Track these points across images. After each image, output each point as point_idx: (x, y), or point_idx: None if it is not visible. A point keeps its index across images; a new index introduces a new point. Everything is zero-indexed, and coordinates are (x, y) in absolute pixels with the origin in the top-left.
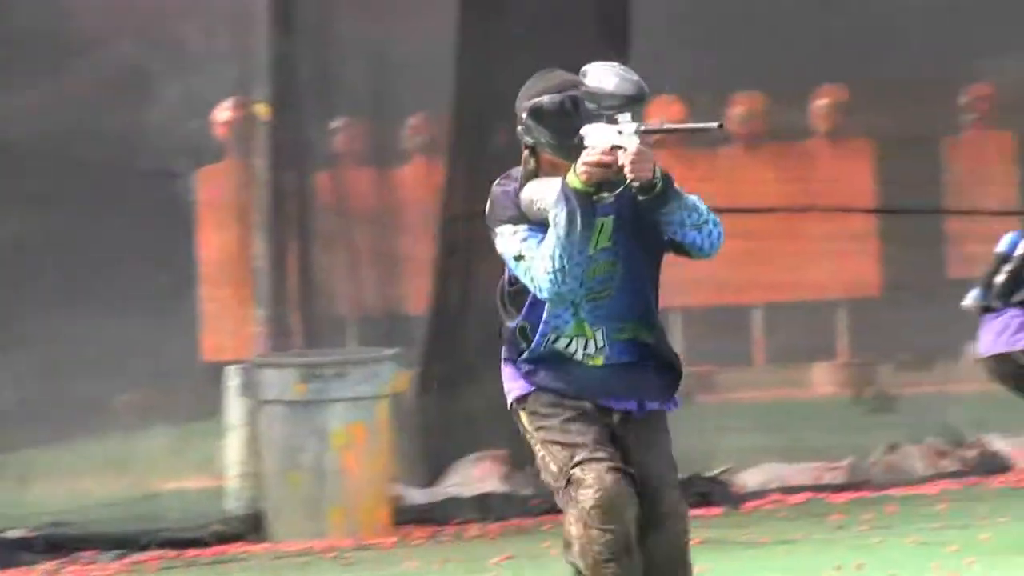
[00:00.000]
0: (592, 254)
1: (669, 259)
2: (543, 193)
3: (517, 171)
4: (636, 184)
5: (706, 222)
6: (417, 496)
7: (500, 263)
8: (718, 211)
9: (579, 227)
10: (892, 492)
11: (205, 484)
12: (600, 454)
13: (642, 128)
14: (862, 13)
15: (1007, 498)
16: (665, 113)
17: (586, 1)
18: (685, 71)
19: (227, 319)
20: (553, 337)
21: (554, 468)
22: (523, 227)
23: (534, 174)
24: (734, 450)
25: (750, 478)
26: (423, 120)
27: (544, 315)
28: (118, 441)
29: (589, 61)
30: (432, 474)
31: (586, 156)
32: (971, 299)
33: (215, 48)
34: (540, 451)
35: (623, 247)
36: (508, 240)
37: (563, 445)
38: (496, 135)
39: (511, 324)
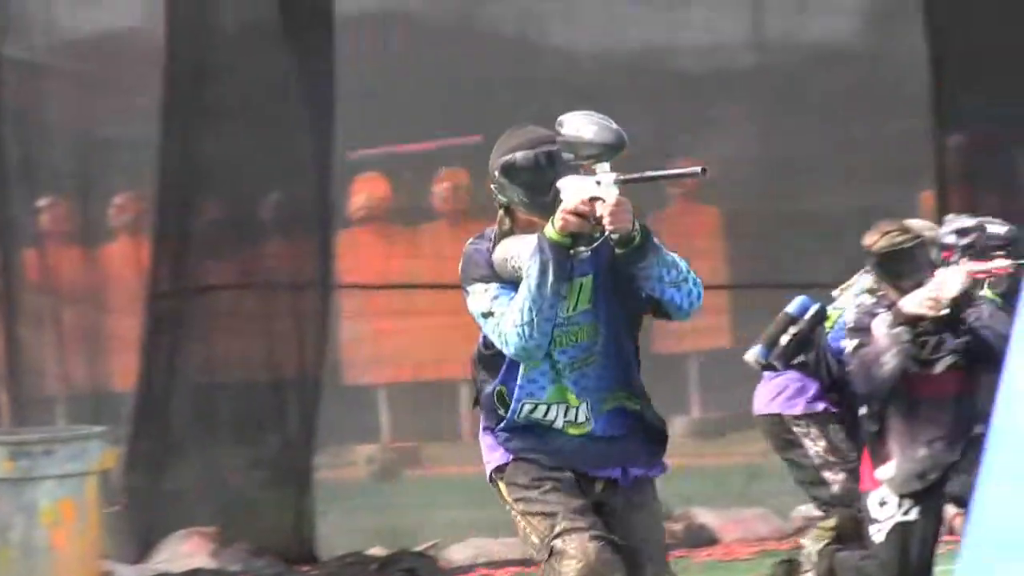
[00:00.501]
0: (571, 315)
1: (360, 333)
2: (518, 249)
3: (491, 230)
4: (615, 236)
5: (685, 280)
6: (127, 573)
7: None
8: (423, 287)
9: (551, 278)
10: None
11: None
12: (581, 523)
13: (621, 178)
14: (568, 94)
15: (714, 571)
16: (372, 189)
17: (291, 71)
18: (392, 144)
19: None
20: (531, 406)
21: (535, 540)
22: (495, 285)
23: (509, 232)
24: (441, 525)
25: (457, 553)
26: (128, 198)
27: (518, 379)
28: None
29: (294, 131)
30: (141, 550)
31: (564, 205)
32: (752, 355)
33: None
34: (521, 523)
35: (603, 309)
36: (479, 298)
37: (543, 516)
38: (200, 210)
39: (488, 389)
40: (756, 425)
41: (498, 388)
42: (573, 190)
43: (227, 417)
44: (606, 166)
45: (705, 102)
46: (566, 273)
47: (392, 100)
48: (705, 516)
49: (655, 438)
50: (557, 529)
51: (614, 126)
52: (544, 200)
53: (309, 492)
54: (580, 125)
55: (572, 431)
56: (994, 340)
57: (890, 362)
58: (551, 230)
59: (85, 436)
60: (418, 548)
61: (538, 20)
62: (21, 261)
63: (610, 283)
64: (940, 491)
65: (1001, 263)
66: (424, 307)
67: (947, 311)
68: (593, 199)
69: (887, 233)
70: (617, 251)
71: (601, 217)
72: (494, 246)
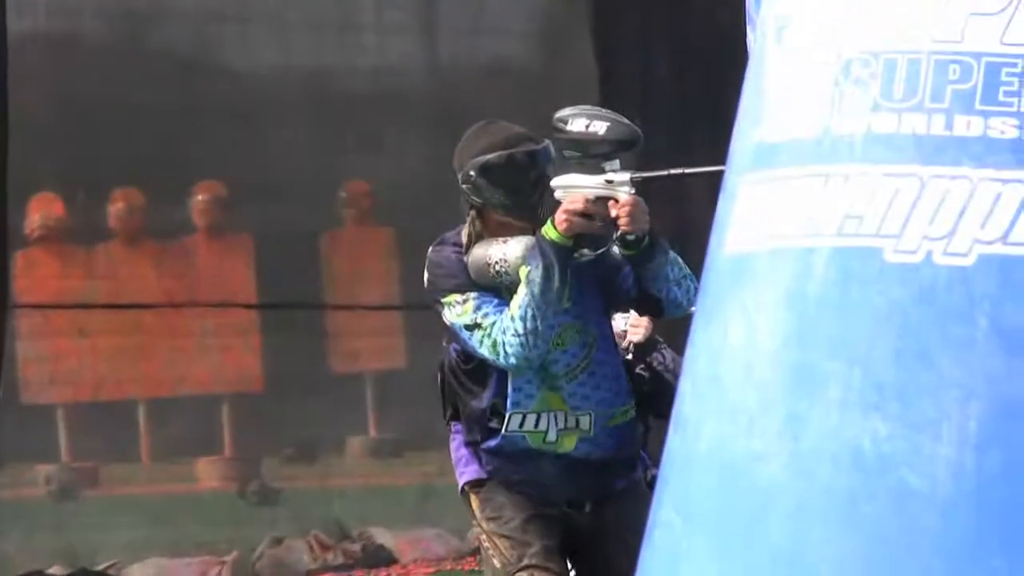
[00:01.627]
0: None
1: (38, 353)
2: (502, 252)
3: (451, 235)
4: (630, 238)
5: (685, 276)
6: None
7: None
8: (99, 307)
9: (556, 283)
10: None
11: None
12: (552, 566)
13: (638, 176)
14: (240, 116)
15: None
16: (47, 208)
17: None
18: (64, 165)
19: None
20: (519, 417)
21: (497, 564)
22: (473, 294)
23: (480, 236)
24: (121, 545)
25: (137, 572)
26: None
27: (509, 388)
28: None
29: None
30: None
31: (568, 204)
32: None
33: None
34: (485, 542)
35: (587, 307)
36: (458, 309)
37: (514, 542)
38: None
39: (478, 404)
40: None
41: (493, 401)
42: (577, 189)
43: None
44: (616, 164)
45: (378, 124)
46: (568, 276)
47: (65, 120)
48: (383, 536)
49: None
50: (526, 562)
51: (627, 121)
52: (529, 201)
53: None
54: (590, 121)
55: (566, 442)
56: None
57: None
58: (552, 231)
59: None
60: (98, 568)
61: (212, 42)
62: None
63: (589, 278)
64: None
65: None
66: (101, 327)
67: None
68: (600, 199)
69: None
70: (624, 252)
71: (615, 218)
72: (466, 250)
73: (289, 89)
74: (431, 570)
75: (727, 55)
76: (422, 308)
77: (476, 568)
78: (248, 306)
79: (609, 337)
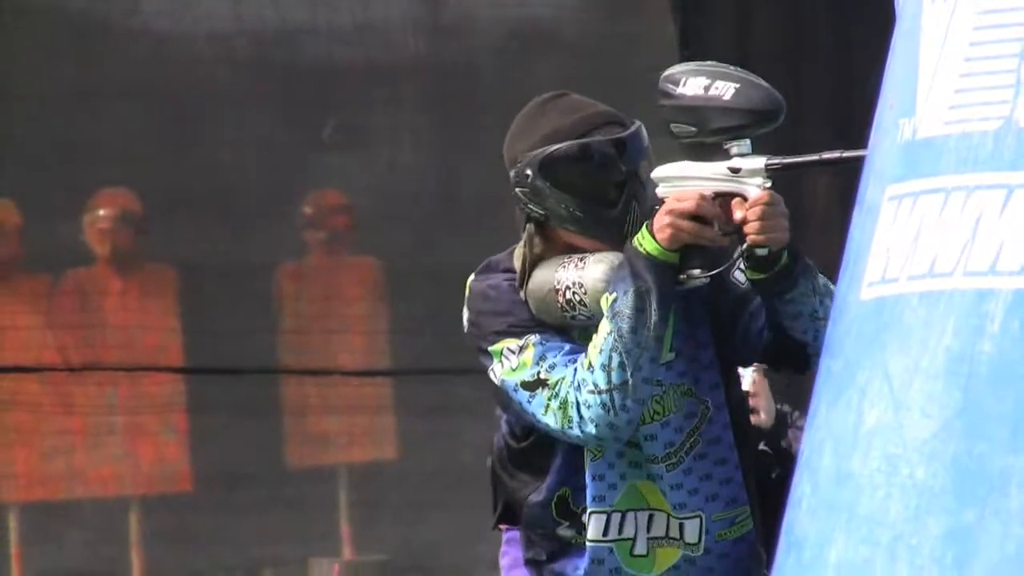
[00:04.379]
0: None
1: None
2: (579, 276)
3: (501, 258)
4: (762, 252)
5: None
6: None
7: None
8: None
9: (654, 316)
10: None
11: None
12: None
13: (777, 162)
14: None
15: None
16: None
17: None
18: None
19: None
20: (602, 520)
21: None
22: (534, 337)
23: (540, 258)
24: None
25: None
26: None
27: (588, 476)
28: None
29: None
30: None
31: (674, 203)
32: None
33: None
34: None
35: (690, 358)
36: (512, 361)
37: None
38: None
39: (535, 497)
40: None
41: (559, 493)
42: (689, 182)
43: None
44: (747, 145)
45: (359, 109)
46: (669, 308)
47: None
48: None
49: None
50: None
51: (764, 84)
52: (611, 214)
53: None
54: (711, 81)
55: (663, 559)
56: None
57: None
58: (649, 242)
59: None
60: None
61: None
62: None
63: (701, 314)
64: None
65: None
66: None
67: None
68: (721, 195)
69: None
70: (752, 276)
71: (741, 222)
72: (524, 278)
73: (231, 60)
74: None
75: (862, 10)
76: (421, 373)
77: None
78: (172, 370)
79: (723, 404)
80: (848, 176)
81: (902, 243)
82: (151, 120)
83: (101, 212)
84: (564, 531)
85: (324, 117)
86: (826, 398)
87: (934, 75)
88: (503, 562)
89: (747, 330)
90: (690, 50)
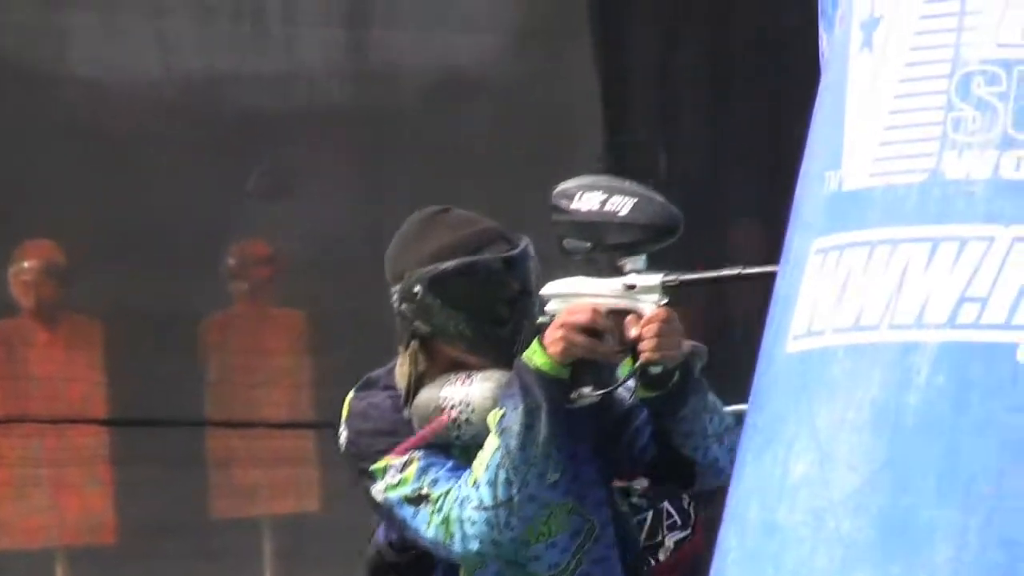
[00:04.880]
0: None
1: None
2: (465, 393)
3: (380, 374)
4: (655, 371)
5: (727, 428)
6: None
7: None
8: None
9: (543, 432)
10: None
11: None
12: None
13: (675, 279)
14: None
15: None
16: None
17: None
18: None
19: None
20: None
21: None
22: (418, 452)
23: (423, 378)
24: None
25: None
26: None
27: None
28: None
29: None
30: None
31: (568, 316)
32: None
33: None
34: None
35: (576, 477)
36: (393, 477)
37: None
38: None
39: None
40: None
41: None
42: (582, 297)
43: None
44: (642, 261)
45: (284, 157)
46: (561, 424)
47: None
48: None
49: None
50: None
51: (659, 198)
52: (501, 332)
53: None
54: (607, 196)
55: None
56: None
57: None
58: (540, 356)
59: None
60: None
61: (46, 38)
62: None
63: (587, 432)
64: None
65: None
66: None
67: None
68: (615, 312)
69: None
70: (643, 394)
71: (636, 339)
72: (408, 396)
73: (157, 105)
74: None
75: (787, 57)
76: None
77: None
78: (97, 421)
79: (609, 522)
80: (775, 228)
81: (828, 296)
82: (77, 167)
83: (25, 264)
84: None
85: (250, 165)
86: (752, 450)
87: (860, 127)
88: None
89: (631, 446)
90: (612, 93)
